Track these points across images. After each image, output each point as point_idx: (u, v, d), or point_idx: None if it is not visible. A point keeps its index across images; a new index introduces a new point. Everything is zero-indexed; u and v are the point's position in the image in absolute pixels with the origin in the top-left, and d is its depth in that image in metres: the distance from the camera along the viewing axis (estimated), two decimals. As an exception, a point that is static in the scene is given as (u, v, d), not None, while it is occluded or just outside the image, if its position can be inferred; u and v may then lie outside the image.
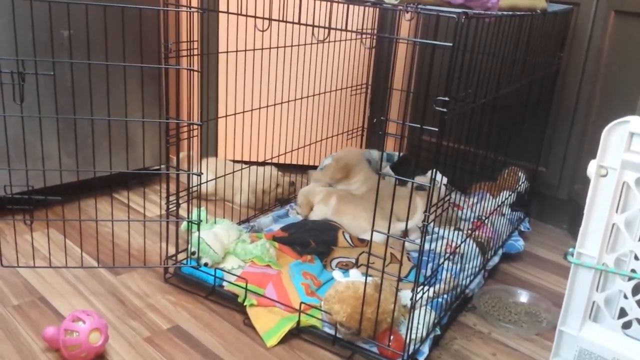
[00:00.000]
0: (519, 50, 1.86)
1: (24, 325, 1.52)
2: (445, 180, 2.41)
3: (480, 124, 2.11)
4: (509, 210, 2.25)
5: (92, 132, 1.76)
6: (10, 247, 1.87)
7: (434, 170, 1.41)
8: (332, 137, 2.65)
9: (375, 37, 2.65)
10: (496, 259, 1.97)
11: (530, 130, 2.29)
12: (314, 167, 2.58)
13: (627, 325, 0.92)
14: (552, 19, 2.05)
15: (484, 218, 2.06)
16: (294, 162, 2.71)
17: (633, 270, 0.90)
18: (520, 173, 2.32)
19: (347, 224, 2.08)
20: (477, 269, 1.85)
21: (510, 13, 1.59)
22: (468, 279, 1.79)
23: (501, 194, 2.28)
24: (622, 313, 0.92)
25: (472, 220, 2.11)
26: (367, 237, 2.01)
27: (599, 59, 2.18)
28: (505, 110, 2.22)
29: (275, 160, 2.49)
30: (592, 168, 0.91)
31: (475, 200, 2.26)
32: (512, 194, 2.28)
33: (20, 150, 1.85)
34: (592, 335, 0.94)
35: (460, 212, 2.21)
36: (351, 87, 2.67)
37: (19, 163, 1.87)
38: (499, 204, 2.24)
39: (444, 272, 1.73)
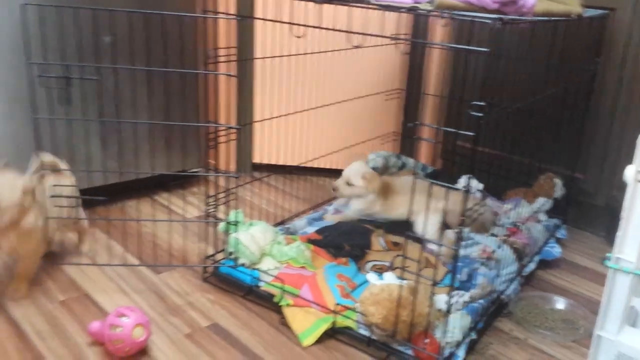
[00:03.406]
0: (554, 55, 1.85)
1: (70, 320, 1.57)
2: (480, 186, 2.42)
3: (516, 129, 2.11)
4: (546, 216, 2.23)
5: (135, 135, 1.82)
6: (57, 245, 1.94)
7: (469, 175, 1.42)
8: (365, 141, 2.67)
9: (410, 42, 2.66)
10: (532, 266, 1.96)
11: (567, 136, 2.27)
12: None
13: (667, 331, 0.92)
14: (588, 24, 2.04)
15: (519, 224, 2.05)
16: (328, 167, 2.74)
17: (673, 276, 0.90)
18: (556, 179, 2.30)
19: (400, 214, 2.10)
20: (513, 275, 1.84)
21: (545, 18, 1.59)
22: (504, 285, 1.78)
23: (537, 200, 2.27)
24: (662, 318, 0.92)
25: (507, 226, 2.11)
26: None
27: (637, 63, 2.15)
28: (541, 116, 2.21)
29: (309, 165, 2.52)
30: (629, 173, 0.91)
31: (511, 207, 2.26)
32: (549, 201, 2.27)
33: (66, 152, 1.93)
34: (630, 340, 0.94)
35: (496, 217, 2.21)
36: (385, 92, 2.69)
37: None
38: (535, 210, 2.23)
39: (480, 278, 1.73)
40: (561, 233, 2.22)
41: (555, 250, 2.08)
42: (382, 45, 2.58)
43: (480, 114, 1.30)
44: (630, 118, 2.20)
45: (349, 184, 2.02)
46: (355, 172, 2.04)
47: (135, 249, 1.96)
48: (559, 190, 2.29)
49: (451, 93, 2.66)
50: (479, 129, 1.33)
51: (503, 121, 2.06)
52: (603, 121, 2.27)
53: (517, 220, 2.11)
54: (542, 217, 2.22)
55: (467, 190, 1.44)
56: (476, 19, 1.30)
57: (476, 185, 2.42)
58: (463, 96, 1.41)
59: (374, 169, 2.45)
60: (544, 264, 2.06)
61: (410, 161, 2.61)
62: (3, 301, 1.63)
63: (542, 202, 2.25)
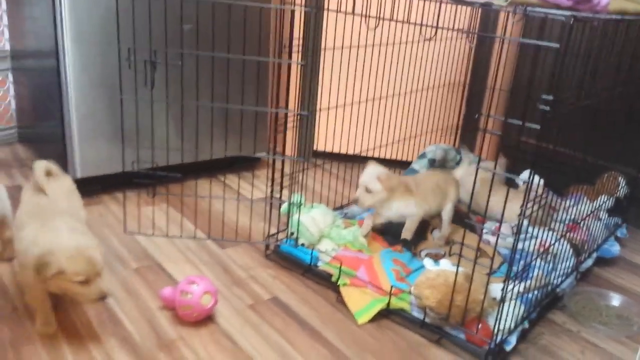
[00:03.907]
0: (625, 54, 1.84)
1: (143, 286, 1.70)
2: (541, 182, 2.41)
3: (581, 126, 2.10)
4: (606, 215, 2.22)
5: (209, 119, 1.92)
6: (132, 217, 2.08)
7: (532, 169, 1.45)
8: (426, 133, 2.71)
9: (479, 36, 2.67)
10: (590, 262, 1.96)
11: (634, 135, 2.24)
12: (407, 163, 2.65)
13: None
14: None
15: (579, 221, 2.05)
16: (387, 157, 2.79)
17: None
18: (620, 178, 2.28)
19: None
20: (569, 269, 1.85)
21: (619, 17, 1.59)
22: (559, 279, 1.80)
23: (599, 198, 2.25)
24: None
25: (566, 222, 2.11)
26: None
27: None
28: (607, 114, 2.18)
29: (369, 154, 2.58)
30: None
31: (571, 203, 2.25)
32: (610, 199, 2.24)
33: (147, 131, 2.06)
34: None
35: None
36: (449, 85, 2.71)
37: (146, 143, 2.07)
38: (595, 207, 2.21)
39: (536, 270, 1.75)
40: (621, 232, 2.20)
41: (614, 248, 2.06)
42: (452, 39, 2.60)
43: (547, 108, 1.32)
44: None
45: (368, 191, 1.87)
46: (370, 176, 1.87)
47: (204, 224, 2.08)
48: (622, 189, 2.27)
49: (515, 89, 2.65)
50: (546, 122, 1.35)
51: (568, 118, 2.06)
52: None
53: (577, 217, 2.10)
54: (603, 215, 2.21)
55: (528, 184, 1.47)
56: (550, 15, 1.33)
57: (537, 180, 2.42)
58: (530, 92, 1.43)
59: (432, 160, 2.49)
60: (602, 262, 2.05)
61: (469, 156, 2.62)
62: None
63: (604, 200, 2.23)
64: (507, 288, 1.49)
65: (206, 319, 1.56)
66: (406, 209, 1.93)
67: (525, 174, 2.40)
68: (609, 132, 2.27)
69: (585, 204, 2.23)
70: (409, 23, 1.65)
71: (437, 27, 1.57)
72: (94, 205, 2.17)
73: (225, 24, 2.09)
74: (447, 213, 2.03)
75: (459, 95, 2.74)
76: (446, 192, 2.03)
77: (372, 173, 1.87)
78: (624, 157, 2.28)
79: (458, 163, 2.60)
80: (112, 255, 1.85)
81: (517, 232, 1.45)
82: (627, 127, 2.24)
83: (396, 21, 1.69)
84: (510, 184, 2.07)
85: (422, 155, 2.54)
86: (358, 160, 2.78)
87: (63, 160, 2.19)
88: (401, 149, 2.76)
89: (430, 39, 1.61)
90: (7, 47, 2.66)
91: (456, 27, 2.58)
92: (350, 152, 2.74)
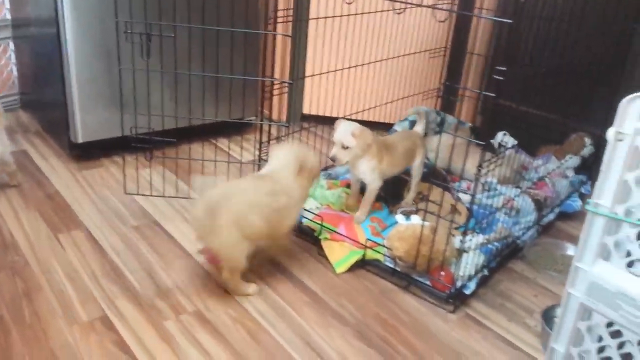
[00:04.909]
0: (584, 20, 1.96)
1: (142, 242, 1.88)
2: (514, 142, 2.56)
3: (552, 89, 2.24)
4: (572, 173, 2.38)
5: (202, 86, 2.04)
6: (131, 178, 2.24)
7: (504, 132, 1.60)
8: (408, 97, 2.84)
9: (445, 11, 2.77)
10: (551, 216, 2.13)
11: (601, 97, 2.37)
12: (390, 125, 2.79)
13: (631, 264, 1.11)
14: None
15: (546, 178, 2.21)
16: (371, 119, 2.93)
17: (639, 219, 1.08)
18: (587, 138, 2.43)
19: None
20: (531, 223, 2.02)
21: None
22: (521, 231, 1.97)
23: (566, 157, 2.41)
24: (628, 254, 1.10)
25: (534, 180, 2.27)
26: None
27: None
28: (575, 76, 2.32)
29: (355, 117, 2.72)
30: (611, 133, 1.08)
31: (541, 162, 2.41)
32: (577, 158, 2.40)
33: (144, 99, 2.19)
34: (601, 271, 1.13)
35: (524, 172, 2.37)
36: (430, 50, 2.83)
37: (143, 109, 2.21)
38: (562, 166, 2.38)
39: (498, 224, 1.92)
40: (586, 189, 2.36)
41: (576, 203, 2.23)
42: (424, 6, 2.70)
43: (500, 78, 1.47)
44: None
45: (344, 147, 1.86)
46: (344, 132, 1.86)
47: (197, 185, 2.26)
48: (588, 148, 2.42)
49: (495, 52, 2.77)
50: (500, 90, 1.50)
51: (535, 83, 2.20)
52: (637, 83, 2.36)
53: (545, 175, 2.27)
54: (570, 173, 2.37)
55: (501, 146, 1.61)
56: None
57: (511, 141, 2.57)
58: (492, 60, 1.57)
59: (412, 122, 2.63)
60: (565, 216, 2.22)
61: (450, 118, 2.77)
62: (79, 221, 1.95)
63: (570, 159, 2.39)
64: (466, 238, 1.67)
65: (197, 270, 1.74)
66: (368, 176, 1.96)
67: (499, 136, 2.56)
68: (576, 95, 2.41)
69: (553, 163, 2.39)
70: (380, -1, 1.77)
71: (406, 3, 1.69)
72: (95, 168, 2.33)
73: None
74: (416, 171, 2.11)
75: (440, 60, 2.86)
76: (414, 153, 2.12)
77: (346, 129, 1.87)
78: (592, 118, 2.43)
79: (439, 125, 2.74)
80: (113, 214, 2.02)
81: (474, 188, 1.61)
82: (592, 90, 2.38)
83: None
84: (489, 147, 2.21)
85: (405, 119, 2.68)
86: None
87: (64, 126, 2.34)
88: (385, 111, 2.90)
89: (400, 13, 1.74)
90: (8, 16, 2.77)
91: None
92: (337, 115, 2.88)
